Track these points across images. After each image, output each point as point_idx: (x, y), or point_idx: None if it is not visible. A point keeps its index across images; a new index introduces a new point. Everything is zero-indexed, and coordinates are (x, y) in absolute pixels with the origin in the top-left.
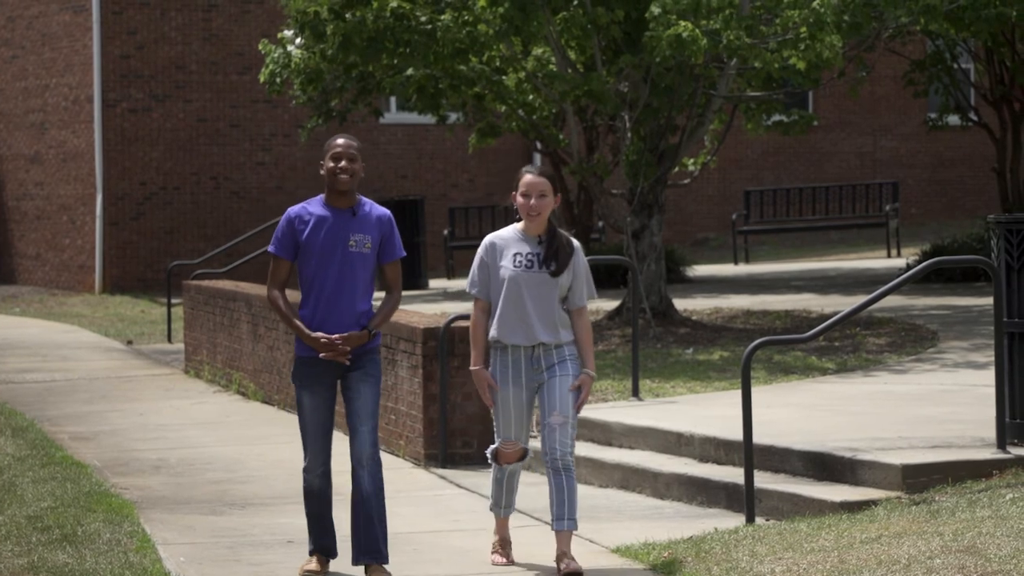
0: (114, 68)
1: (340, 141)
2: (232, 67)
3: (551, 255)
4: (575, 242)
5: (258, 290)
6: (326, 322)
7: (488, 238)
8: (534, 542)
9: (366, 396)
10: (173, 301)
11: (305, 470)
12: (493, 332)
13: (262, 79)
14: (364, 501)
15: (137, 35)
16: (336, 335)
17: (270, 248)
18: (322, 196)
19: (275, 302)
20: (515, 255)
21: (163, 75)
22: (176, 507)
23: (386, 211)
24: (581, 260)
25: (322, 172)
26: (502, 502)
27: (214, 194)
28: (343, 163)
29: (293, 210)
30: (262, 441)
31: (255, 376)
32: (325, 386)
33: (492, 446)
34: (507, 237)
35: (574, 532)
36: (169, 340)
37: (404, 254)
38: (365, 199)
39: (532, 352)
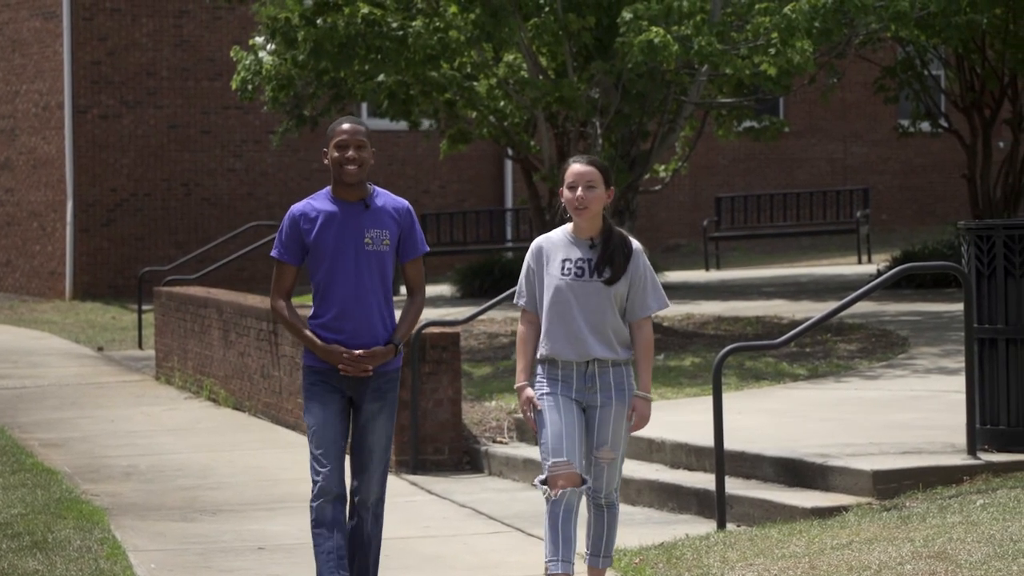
0: (85, 74)
1: (346, 127)
2: (203, 73)
3: (604, 260)
4: (635, 243)
5: (229, 296)
6: (344, 333)
7: (536, 242)
8: (501, 548)
9: (381, 432)
10: (144, 307)
11: (315, 497)
12: (543, 349)
13: (233, 86)
14: (363, 545)
15: (108, 41)
16: (358, 351)
17: (273, 252)
18: (328, 189)
19: (280, 313)
20: (563, 261)
21: (134, 81)
22: (147, 514)
23: (403, 201)
24: (641, 264)
25: (326, 161)
26: (559, 554)
27: (185, 200)
28: (350, 152)
29: (297, 208)
30: (233, 448)
31: (226, 382)
32: (337, 398)
33: (540, 475)
34: (556, 240)
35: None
36: (140, 346)
37: (427, 249)
38: (378, 189)
39: (586, 369)
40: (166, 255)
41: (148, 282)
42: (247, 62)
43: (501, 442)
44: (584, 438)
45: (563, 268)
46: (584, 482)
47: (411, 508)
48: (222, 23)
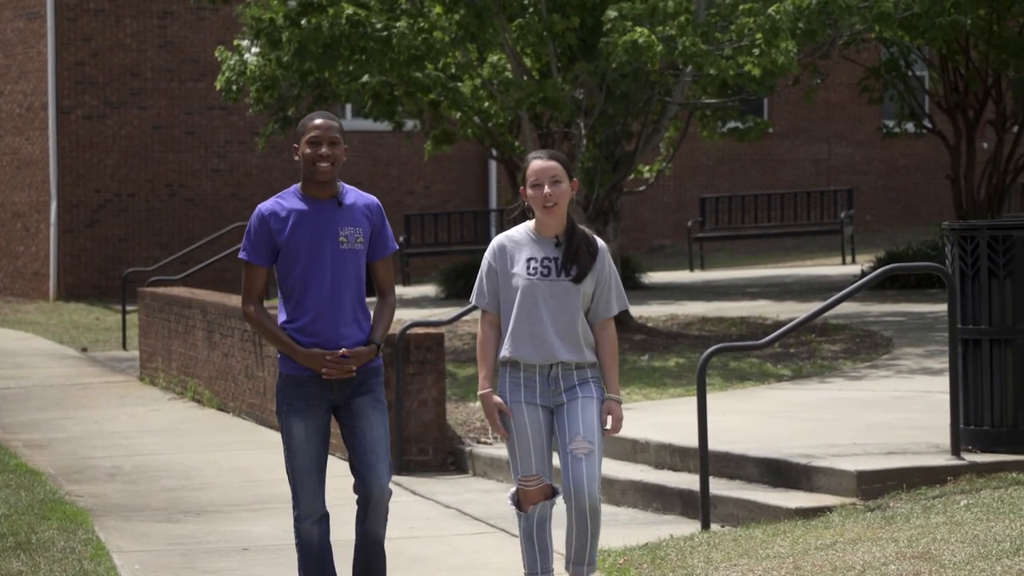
0: (68, 75)
1: (318, 122)
2: (187, 74)
3: (570, 258)
4: (599, 241)
5: (214, 297)
6: (319, 336)
7: (496, 240)
8: (485, 549)
9: (380, 428)
10: (128, 308)
11: (298, 519)
12: (506, 351)
13: (218, 87)
14: (373, 553)
15: (92, 42)
16: (342, 350)
17: (241, 254)
18: (296, 187)
19: (254, 318)
20: (528, 260)
21: (118, 82)
22: (131, 515)
23: (373, 198)
24: (607, 263)
25: (296, 158)
26: (537, 566)
27: (169, 201)
28: (323, 149)
29: (265, 207)
30: (217, 448)
31: (210, 383)
32: (320, 410)
33: (511, 489)
34: (518, 239)
35: None
36: (124, 347)
37: (396, 247)
38: (347, 186)
39: (549, 371)
40: (150, 256)
41: (132, 283)
42: (231, 63)
43: (485, 443)
44: (552, 442)
45: (528, 267)
46: (555, 492)
47: (395, 509)
48: (206, 24)
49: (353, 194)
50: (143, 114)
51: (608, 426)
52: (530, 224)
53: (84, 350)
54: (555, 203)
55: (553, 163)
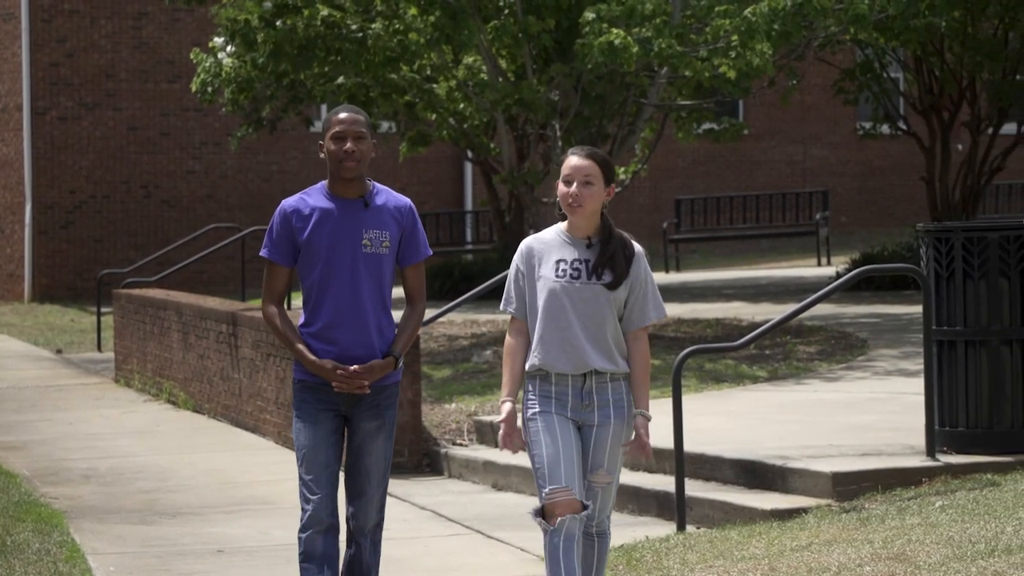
0: (43, 76)
1: (343, 116)
2: (162, 75)
3: (604, 262)
4: (636, 246)
5: (189, 299)
6: (337, 344)
7: (525, 243)
8: (461, 550)
9: (380, 453)
10: (103, 310)
11: (302, 528)
12: (535, 359)
13: (193, 88)
14: (362, 575)
15: (67, 43)
16: (354, 366)
17: (263, 252)
18: (323, 184)
19: (271, 321)
20: (557, 262)
21: (93, 83)
22: (106, 517)
23: (406, 200)
24: (643, 269)
25: (322, 155)
26: None
27: (144, 203)
28: (348, 144)
29: (289, 203)
30: (193, 450)
31: (185, 385)
32: (330, 416)
33: (534, 506)
34: (548, 240)
35: (500, 540)
36: (99, 349)
37: (430, 253)
38: (378, 185)
39: (583, 383)
40: (125, 257)
41: (107, 284)
42: (207, 64)
43: (461, 444)
44: (582, 457)
45: (557, 269)
46: (585, 507)
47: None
48: (181, 25)
49: (384, 195)
50: (118, 115)
51: (626, 444)
52: (561, 225)
53: (59, 352)
54: (580, 205)
55: (589, 162)
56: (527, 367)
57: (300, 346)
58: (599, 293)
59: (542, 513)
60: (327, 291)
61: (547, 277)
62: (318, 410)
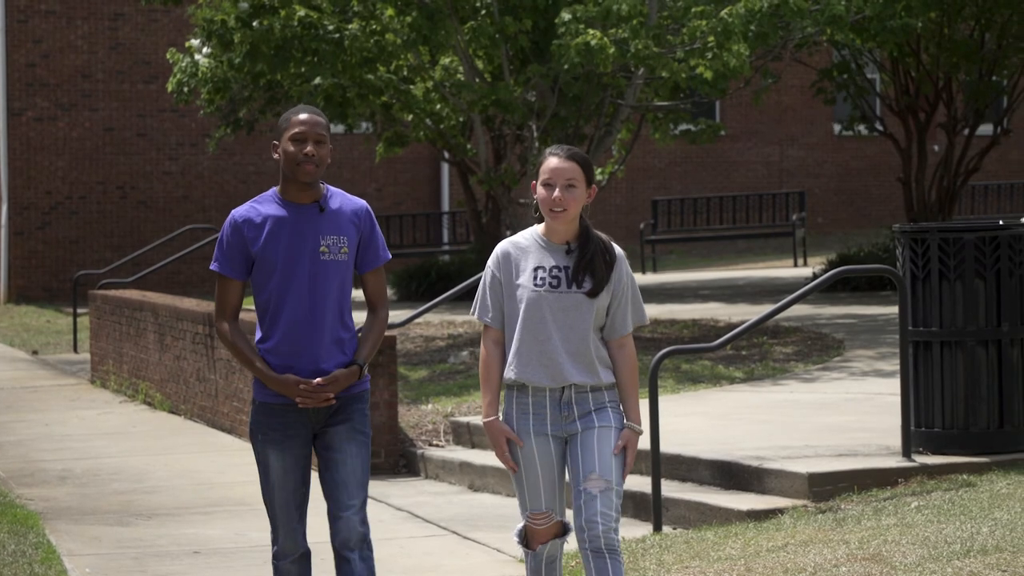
0: (19, 77)
1: (303, 117)
2: (139, 76)
3: (583, 267)
4: (617, 249)
5: (165, 300)
6: (297, 358)
7: (500, 246)
8: (438, 551)
9: (355, 461)
10: (79, 311)
11: (275, 556)
12: (511, 372)
13: (169, 88)
14: None
15: (43, 44)
16: (318, 379)
17: (213, 265)
18: (274, 190)
19: (226, 338)
20: (536, 270)
21: (69, 84)
22: (82, 518)
23: (362, 202)
24: (625, 273)
25: (276, 156)
26: None
27: (120, 204)
28: (308, 148)
29: (239, 212)
30: (169, 451)
31: (161, 386)
32: (298, 441)
33: (518, 525)
34: (525, 245)
35: (476, 541)
36: (75, 350)
37: (389, 256)
38: (332, 188)
39: (561, 395)
40: (101, 258)
41: (83, 285)
42: (183, 65)
43: (437, 445)
44: (564, 476)
45: (536, 277)
46: (566, 530)
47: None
48: (158, 26)
49: (339, 198)
50: (94, 116)
51: (618, 459)
52: (538, 228)
53: (35, 353)
54: (564, 208)
55: (571, 164)
56: (503, 379)
57: (259, 363)
58: (580, 302)
59: (524, 536)
60: (284, 303)
61: (525, 286)
62: (285, 436)
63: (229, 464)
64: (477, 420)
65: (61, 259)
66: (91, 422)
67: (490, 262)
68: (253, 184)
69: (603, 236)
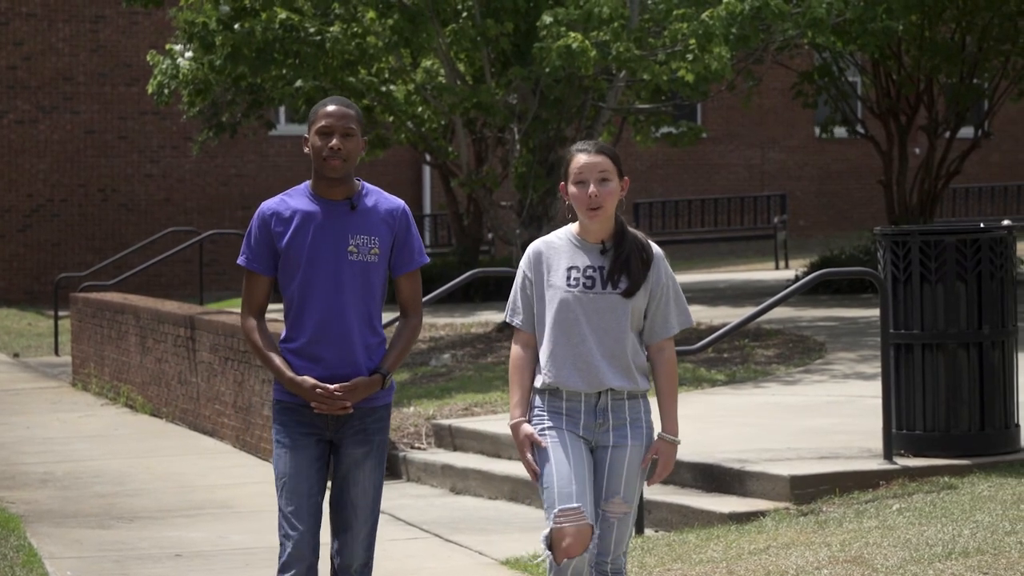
0: (0, 79)
1: (330, 108)
2: (120, 78)
3: (619, 267)
4: (655, 248)
5: (147, 302)
6: (319, 360)
7: (532, 246)
8: (419, 554)
9: (367, 483)
10: (60, 314)
11: (285, 566)
12: (546, 377)
13: (150, 90)
14: None
15: (24, 46)
16: (336, 385)
17: (240, 259)
18: (307, 184)
19: (250, 335)
20: (569, 270)
21: (50, 86)
22: (63, 521)
23: (399, 202)
24: (664, 273)
25: (306, 150)
26: None
27: (102, 206)
28: (334, 141)
29: (268, 205)
30: (150, 454)
31: (143, 389)
32: (312, 441)
33: (545, 530)
34: (558, 245)
35: (458, 544)
36: (56, 353)
37: (427, 260)
38: (368, 186)
39: (596, 401)
40: (83, 261)
41: (65, 288)
42: (163, 66)
43: (419, 448)
44: (592, 479)
45: (569, 278)
46: (594, 532)
47: (327, 513)
48: (139, 28)
49: (375, 196)
50: (76, 119)
51: (650, 472)
52: (572, 228)
53: (16, 356)
54: (601, 205)
55: (601, 157)
56: (536, 384)
57: (278, 362)
58: (616, 303)
59: (550, 540)
60: (308, 303)
61: (558, 286)
62: (300, 434)
63: (211, 467)
64: (459, 423)
65: (42, 262)
66: (73, 425)
67: (522, 263)
68: (234, 187)
69: (639, 234)
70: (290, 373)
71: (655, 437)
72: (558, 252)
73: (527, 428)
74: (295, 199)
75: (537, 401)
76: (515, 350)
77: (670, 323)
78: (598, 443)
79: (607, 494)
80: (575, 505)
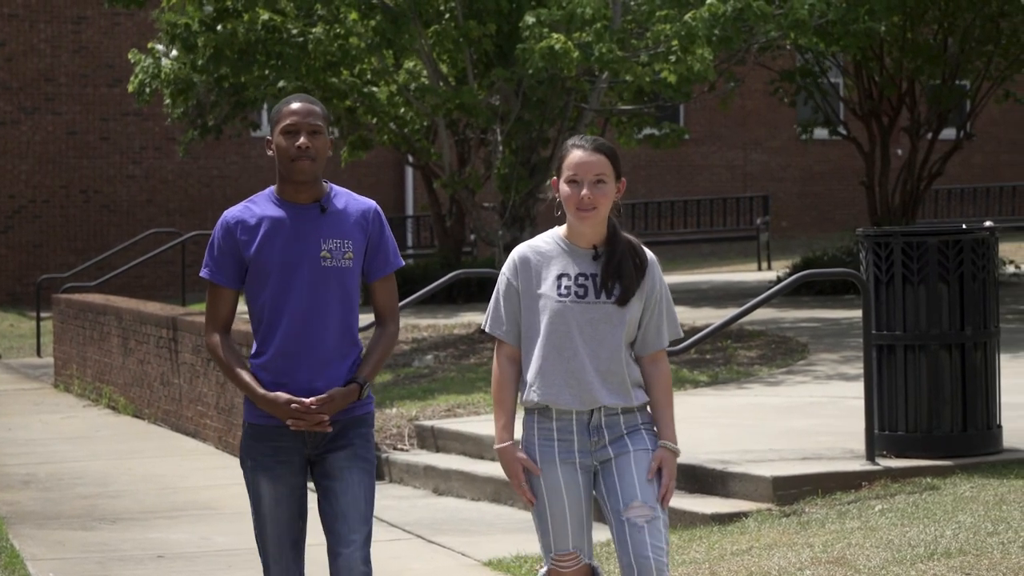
0: None
1: (295, 106)
2: (102, 79)
3: (612, 273)
4: (648, 253)
5: (129, 304)
6: (292, 375)
7: (518, 251)
8: (403, 555)
9: (357, 490)
10: (42, 315)
11: None
12: (533, 394)
13: (131, 89)
14: None
15: (5, 47)
16: (312, 399)
17: (203, 272)
18: (271, 189)
19: (215, 351)
20: (559, 277)
21: (32, 87)
22: (45, 522)
23: (370, 203)
24: (658, 280)
25: (270, 152)
26: None
27: (84, 207)
28: (302, 139)
29: (231, 213)
30: (132, 455)
31: (125, 390)
32: (291, 468)
33: (541, 570)
34: (546, 250)
35: (441, 545)
36: (38, 354)
37: (402, 263)
38: (337, 187)
39: (590, 419)
40: (65, 262)
41: (47, 289)
42: (145, 65)
43: (402, 449)
44: (591, 511)
45: (560, 287)
46: (595, 573)
47: (310, 515)
48: (121, 29)
49: (344, 198)
50: (57, 120)
51: (657, 484)
52: (560, 231)
53: None
54: (594, 207)
55: (599, 156)
56: (523, 401)
57: (248, 379)
58: (610, 313)
59: None
60: (281, 314)
61: (548, 296)
62: (278, 461)
63: (193, 468)
64: (442, 424)
65: (24, 263)
66: (55, 426)
67: (505, 269)
68: (217, 188)
69: (632, 238)
70: (261, 390)
71: (657, 444)
72: (547, 259)
73: (521, 456)
74: (260, 205)
75: (526, 421)
76: (499, 365)
77: (663, 334)
78: (598, 460)
79: (624, 501)
80: (570, 551)
